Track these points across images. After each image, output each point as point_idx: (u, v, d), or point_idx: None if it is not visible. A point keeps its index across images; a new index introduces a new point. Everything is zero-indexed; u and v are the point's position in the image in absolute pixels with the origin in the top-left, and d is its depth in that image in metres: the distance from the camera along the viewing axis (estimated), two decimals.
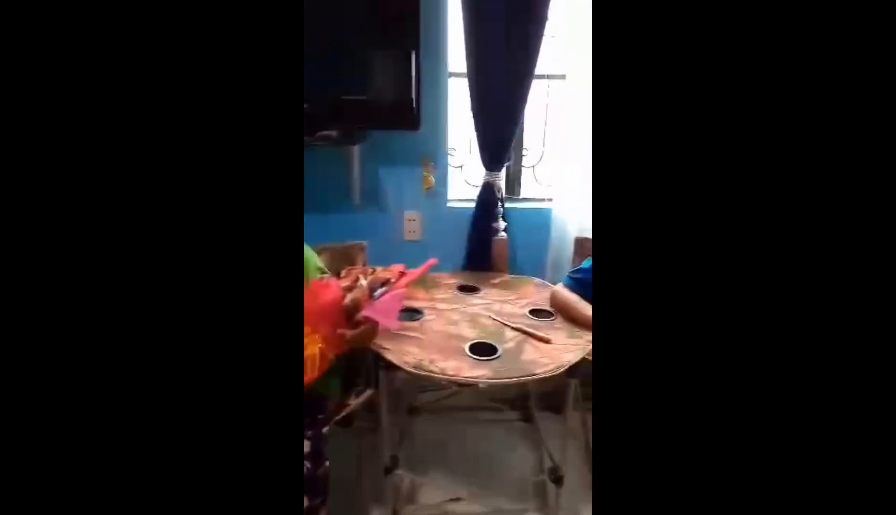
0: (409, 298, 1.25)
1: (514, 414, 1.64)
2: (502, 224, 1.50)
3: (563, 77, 1.45)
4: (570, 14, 1.38)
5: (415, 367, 0.98)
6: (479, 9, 1.31)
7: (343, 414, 1.01)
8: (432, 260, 1.12)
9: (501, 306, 1.29)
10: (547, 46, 1.39)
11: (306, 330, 0.96)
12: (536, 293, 1.39)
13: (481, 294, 1.37)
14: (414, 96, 1.32)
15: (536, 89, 1.46)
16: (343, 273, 1.06)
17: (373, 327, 0.98)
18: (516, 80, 1.37)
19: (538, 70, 1.39)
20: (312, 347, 0.94)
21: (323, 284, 1.01)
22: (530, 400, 1.63)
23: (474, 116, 1.43)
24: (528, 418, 1.62)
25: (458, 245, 1.57)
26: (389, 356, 1.01)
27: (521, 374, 0.98)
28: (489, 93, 1.38)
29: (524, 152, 1.62)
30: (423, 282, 1.40)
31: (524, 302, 1.32)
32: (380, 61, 1.34)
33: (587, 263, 1.28)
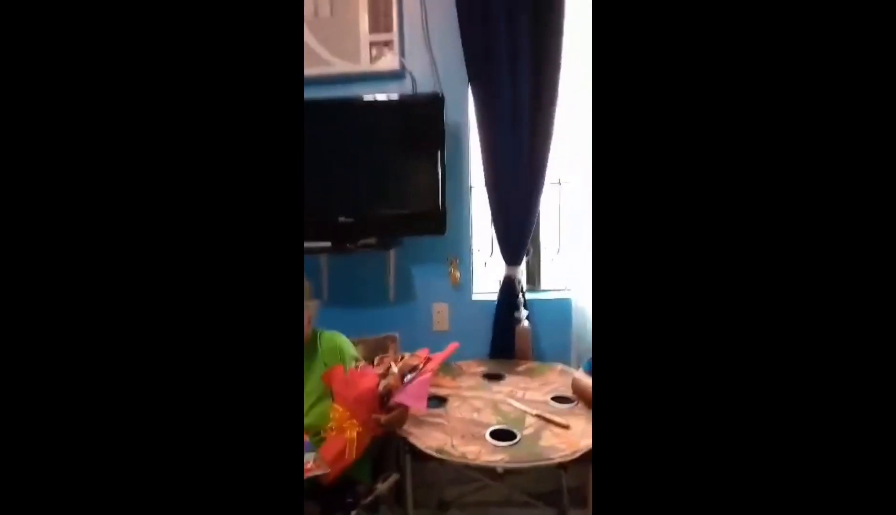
0: (437, 386, 1.36)
1: (548, 511, 1.59)
2: (524, 313, 1.62)
3: (569, 182, 1.65)
4: (570, 124, 1.61)
5: (437, 451, 1.06)
6: (493, 128, 1.57)
7: (370, 498, 1.08)
8: (454, 344, 1.24)
9: (524, 393, 1.36)
10: (556, 155, 1.62)
11: (345, 414, 1.08)
12: (559, 379, 1.45)
13: (506, 381, 1.45)
14: (441, 207, 1.56)
15: (550, 192, 1.67)
16: (377, 361, 1.20)
17: (404, 411, 1.09)
18: (527, 188, 1.58)
19: (549, 178, 1.61)
20: (351, 431, 1.06)
21: (359, 373, 1.15)
22: (563, 495, 1.58)
23: (493, 220, 1.63)
24: (561, 514, 1.56)
25: (485, 334, 1.68)
26: (414, 440, 1.10)
27: (537, 459, 1.03)
28: (504, 200, 1.59)
29: (542, 248, 1.79)
30: (449, 371, 1.50)
31: (547, 388, 1.39)
32: (411, 179, 1.60)
33: None
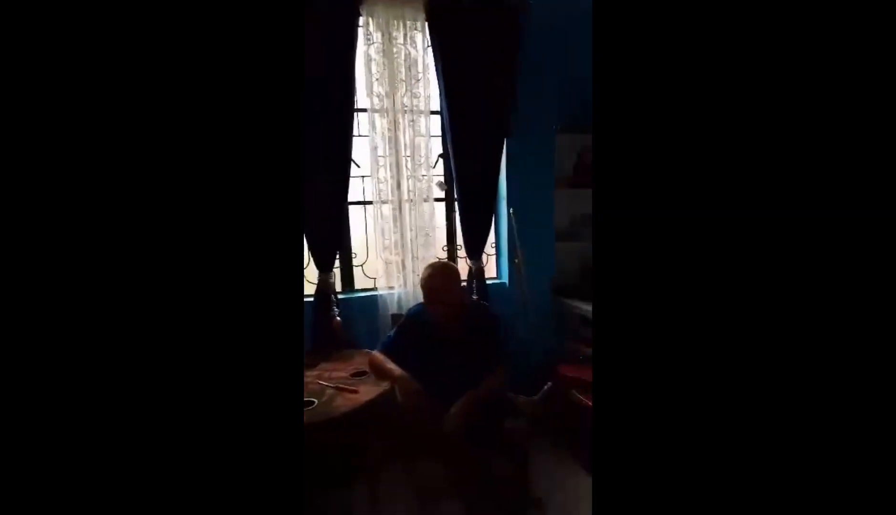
0: None
1: None
2: (336, 310, 1.97)
3: (371, 202, 2.06)
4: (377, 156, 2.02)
5: None
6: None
7: None
8: None
9: (331, 373, 1.71)
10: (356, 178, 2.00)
11: None
12: (362, 360, 1.83)
13: (318, 367, 1.78)
14: None
15: (357, 212, 2.06)
16: None
17: None
18: (334, 209, 1.94)
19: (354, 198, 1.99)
20: None
21: None
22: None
23: (307, 236, 1.94)
24: None
25: (308, 331, 1.98)
26: None
27: (327, 416, 1.39)
28: (315, 219, 1.92)
29: (353, 255, 2.17)
30: None
31: (351, 368, 1.76)
32: None
33: (392, 332, 1.78)
